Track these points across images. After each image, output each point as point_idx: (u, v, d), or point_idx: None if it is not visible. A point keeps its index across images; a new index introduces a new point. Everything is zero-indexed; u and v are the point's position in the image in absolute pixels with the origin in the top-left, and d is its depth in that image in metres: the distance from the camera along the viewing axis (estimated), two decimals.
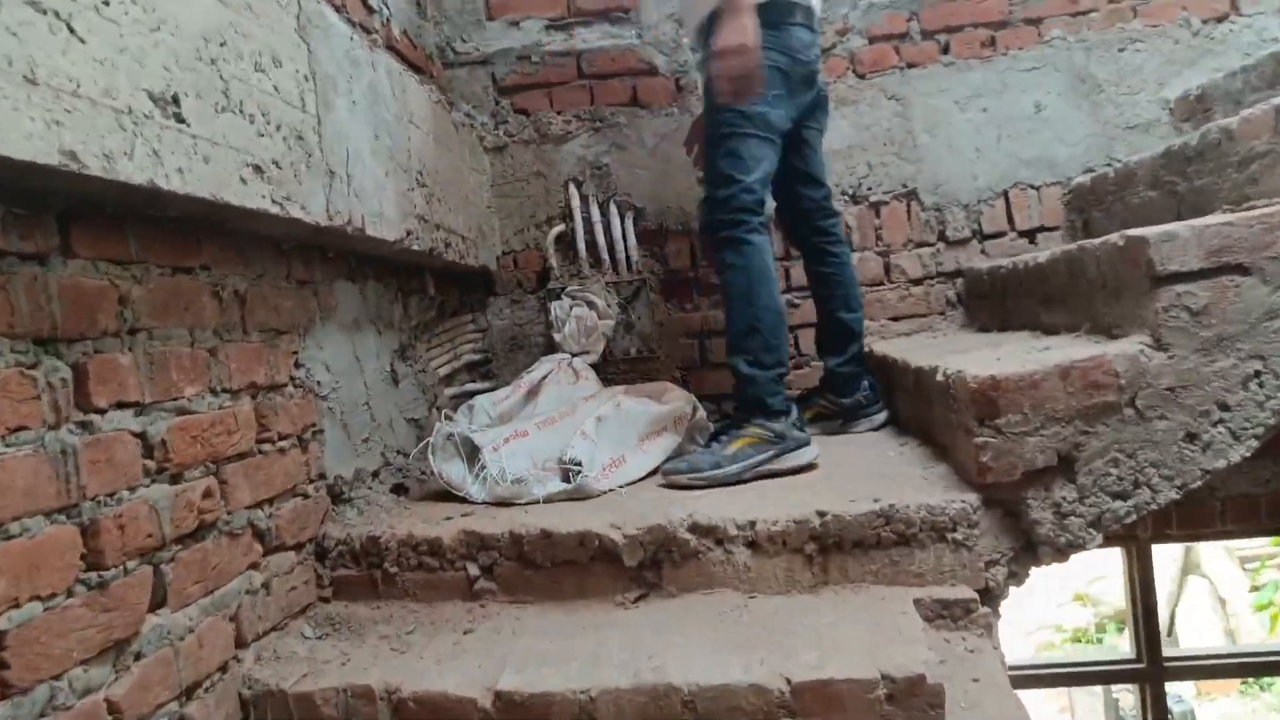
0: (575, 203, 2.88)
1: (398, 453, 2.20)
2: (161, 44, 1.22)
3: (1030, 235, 2.77)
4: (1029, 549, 1.61)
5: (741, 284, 2.05)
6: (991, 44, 2.78)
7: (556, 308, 2.83)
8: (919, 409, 2.07)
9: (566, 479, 1.95)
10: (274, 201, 1.48)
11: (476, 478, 2.03)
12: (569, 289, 2.86)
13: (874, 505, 1.61)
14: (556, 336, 2.82)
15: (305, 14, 1.66)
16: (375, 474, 2.06)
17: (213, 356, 1.47)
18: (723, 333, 2.81)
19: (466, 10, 2.89)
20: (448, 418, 2.14)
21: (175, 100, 1.24)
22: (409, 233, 2.09)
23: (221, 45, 1.37)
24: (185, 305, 1.41)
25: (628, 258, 2.88)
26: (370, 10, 2.30)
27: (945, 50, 2.77)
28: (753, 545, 1.64)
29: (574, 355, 2.79)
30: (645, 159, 2.84)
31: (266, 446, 1.61)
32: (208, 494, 1.41)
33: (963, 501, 1.59)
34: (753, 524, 1.63)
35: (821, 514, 1.61)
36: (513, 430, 2.20)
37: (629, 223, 2.88)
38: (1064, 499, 1.58)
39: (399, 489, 2.14)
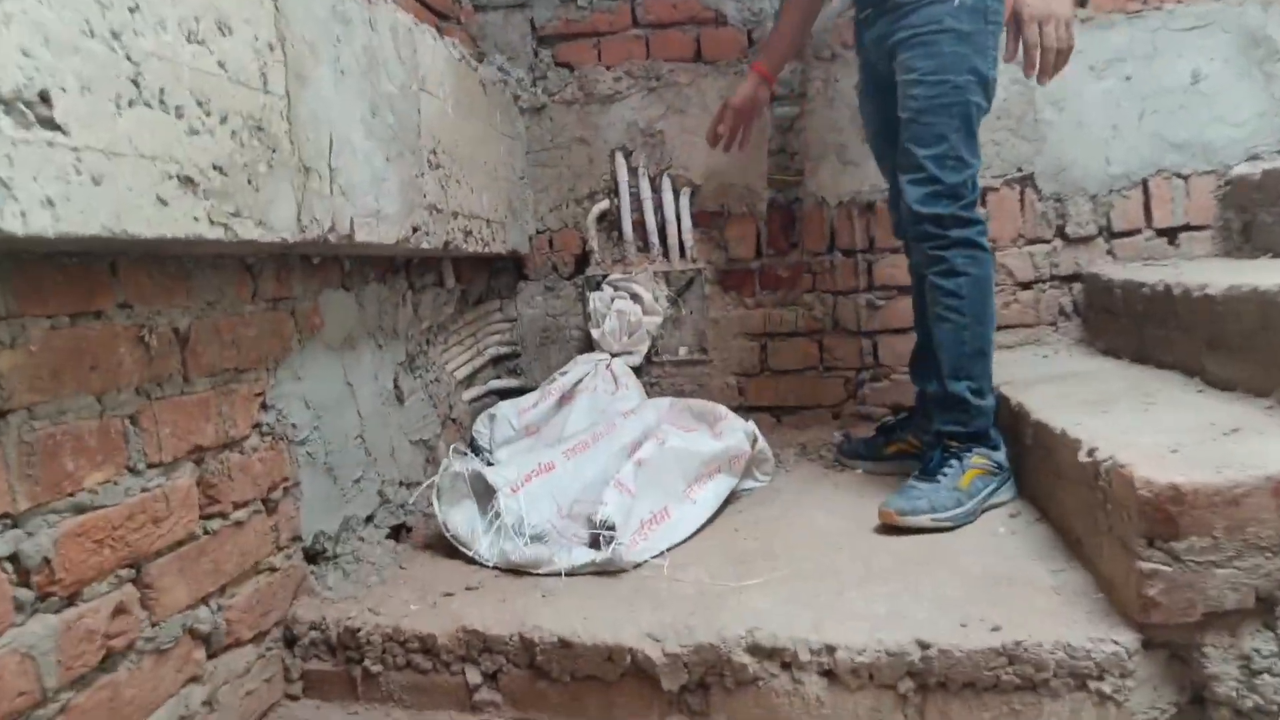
0: (623, 175, 2.46)
1: (400, 484, 1.86)
2: (16, 18, 0.84)
3: (1171, 234, 2.28)
4: (1197, 706, 1.22)
5: (975, 298, 1.71)
6: None
7: (596, 299, 2.44)
8: (1038, 471, 1.66)
9: (596, 544, 1.59)
10: (213, 222, 1.10)
11: (490, 526, 1.69)
12: (611, 277, 2.47)
13: (993, 639, 1.23)
14: (594, 333, 2.44)
15: None
16: (370, 518, 1.72)
17: (134, 425, 1.12)
18: (787, 334, 2.44)
19: None
20: (458, 452, 1.79)
21: (44, 99, 0.86)
22: (416, 229, 1.71)
23: (131, 10, 0.98)
24: (91, 363, 1.05)
25: (681, 242, 2.47)
26: None
27: (1083, 2, 2.25)
28: (830, 675, 1.27)
29: (614, 355, 2.41)
30: (707, 126, 2.39)
31: (216, 523, 1.27)
32: (120, 611, 1.08)
33: (1115, 644, 1.20)
34: (832, 650, 1.26)
35: (924, 645, 1.23)
36: (536, 465, 1.84)
37: (684, 201, 2.45)
38: (1257, 651, 1.17)
39: (399, 530, 1.80)
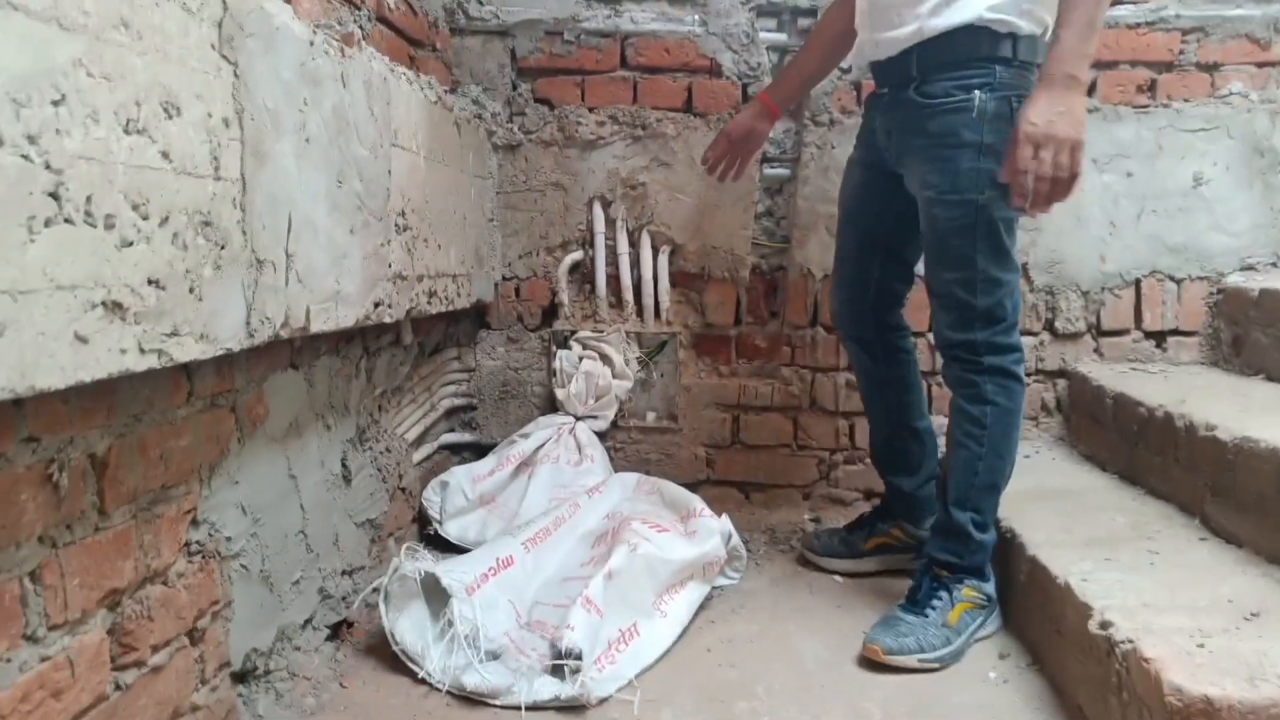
0: (599, 227, 2.30)
1: (343, 573, 1.68)
2: None
3: (1159, 337, 2.23)
4: None
5: (999, 430, 1.59)
6: (1151, 90, 2.19)
7: (563, 358, 2.28)
8: (1031, 613, 1.57)
9: (559, 673, 1.45)
10: (144, 350, 0.92)
11: (442, 636, 1.53)
12: (580, 334, 2.31)
13: None
14: (559, 393, 2.28)
15: (233, 16, 1.06)
16: (308, 621, 1.54)
17: (35, 583, 0.93)
18: (761, 408, 2.31)
19: None
20: (410, 551, 1.61)
21: None
22: (379, 303, 1.53)
23: (56, 105, 0.79)
24: None
25: (657, 303, 2.32)
26: None
27: (1090, 90, 2.17)
28: None
29: (578, 419, 2.26)
30: (693, 183, 2.26)
31: (131, 674, 1.09)
32: None
33: None
34: None
35: None
36: (493, 560, 1.69)
37: (663, 259, 2.31)
38: None
39: (339, 628, 1.63)
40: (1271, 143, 2.12)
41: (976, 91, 1.49)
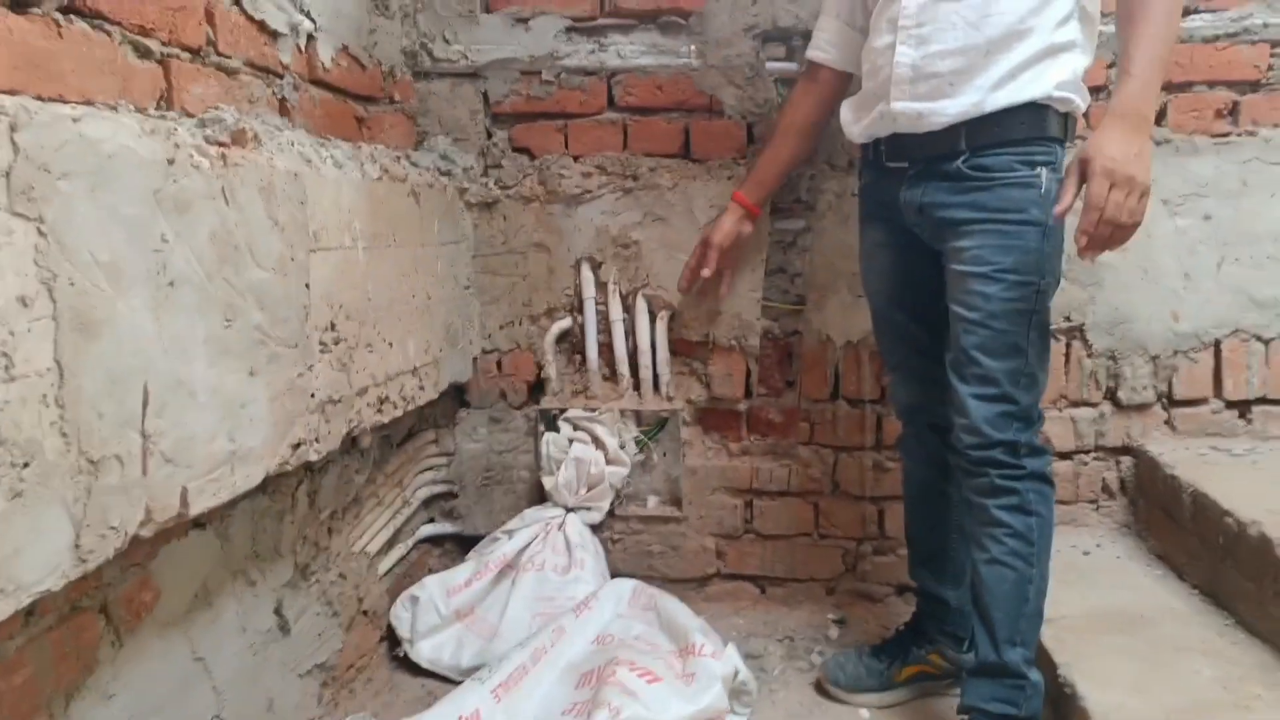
0: (589, 291, 2.03)
1: None
2: None
3: (1243, 407, 1.90)
4: None
5: (1044, 545, 1.39)
6: (1232, 115, 1.85)
7: (551, 443, 2.02)
8: None
9: None
10: None
11: None
12: (570, 413, 2.05)
13: None
14: (547, 481, 2.02)
15: (30, 159, 0.81)
16: None
17: None
18: (777, 493, 2.03)
19: None
20: None
21: None
22: (299, 444, 1.28)
23: None
24: None
25: (655, 375, 2.05)
26: (272, 35, 1.42)
27: (1159, 118, 1.84)
28: None
29: (569, 510, 2.00)
30: (694, 239, 1.96)
31: None
32: None
33: None
34: None
35: None
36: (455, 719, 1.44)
37: (661, 327, 2.03)
38: None
39: None
40: None
41: (1043, 169, 1.33)
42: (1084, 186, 1.28)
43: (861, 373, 1.97)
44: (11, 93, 0.90)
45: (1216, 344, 1.88)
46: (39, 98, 0.95)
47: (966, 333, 1.37)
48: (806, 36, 1.87)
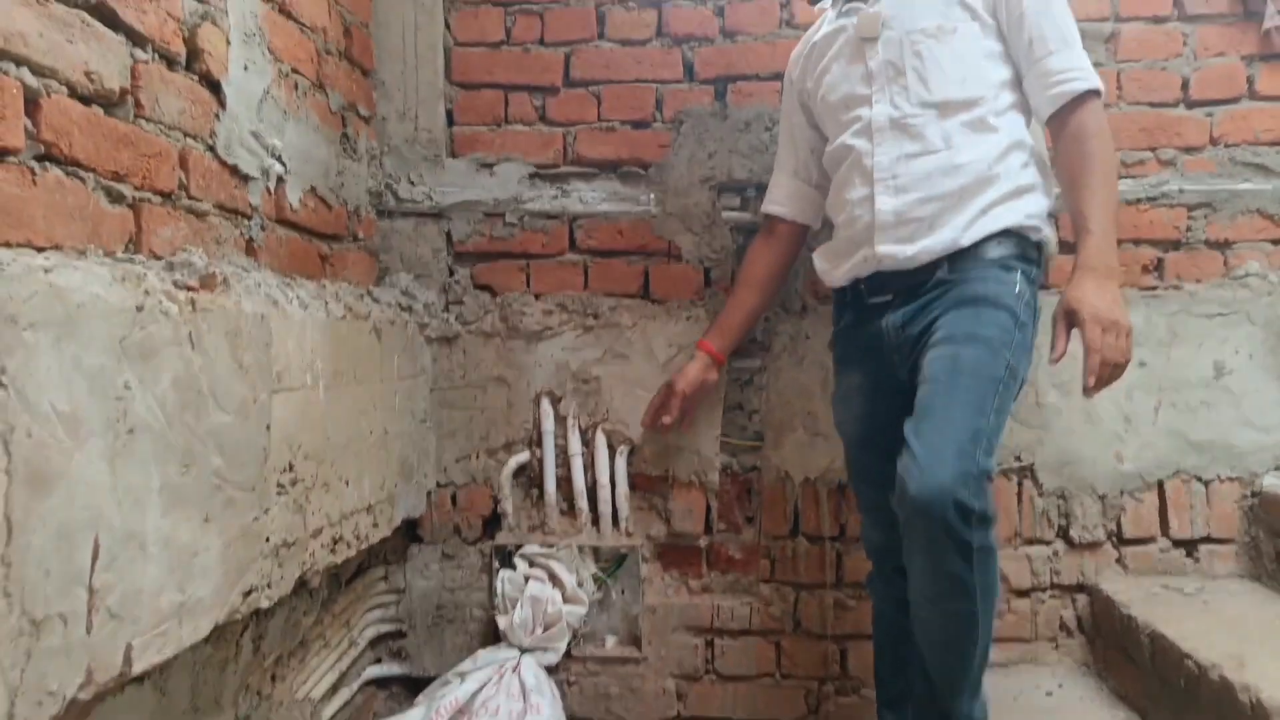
0: (548, 425, 2.03)
1: None
2: None
3: (1189, 545, 1.95)
4: None
5: (993, 597, 1.40)
6: (1158, 270, 1.97)
7: (506, 580, 1.97)
8: None
9: None
10: None
11: None
12: (526, 549, 2.01)
13: None
14: (501, 621, 1.96)
15: None
16: None
17: None
18: (738, 631, 1.99)
19: (420, 141, 2.03)
20: None
21: None
22: (251, 590, 1.23)
23: None
24: None
25: (615, 510, 2.03)
26: (243, 179, 1.44)
27: None
28: None
29: (524, 651, 1.93)
30: (654, 376, 2.00)
31: None
32: None
33: None
34: None
35: None
36: None
37: (621, 461, 2.03)
38: None
39: None
40: None
41: (1018, 274, 1.46)
42: (1080, 337, 1.38)
43: (820, 510, 1.98)
44: None
45: (1160, 484, 1.94)
46: (7, 244, 0.95)
47: (930, 390, 1.38)
48: (760, 188, 1.98)
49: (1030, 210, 1.47)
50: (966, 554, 1.30)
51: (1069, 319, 1.39)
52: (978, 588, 1.33)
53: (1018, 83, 1.52)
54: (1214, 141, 1.95)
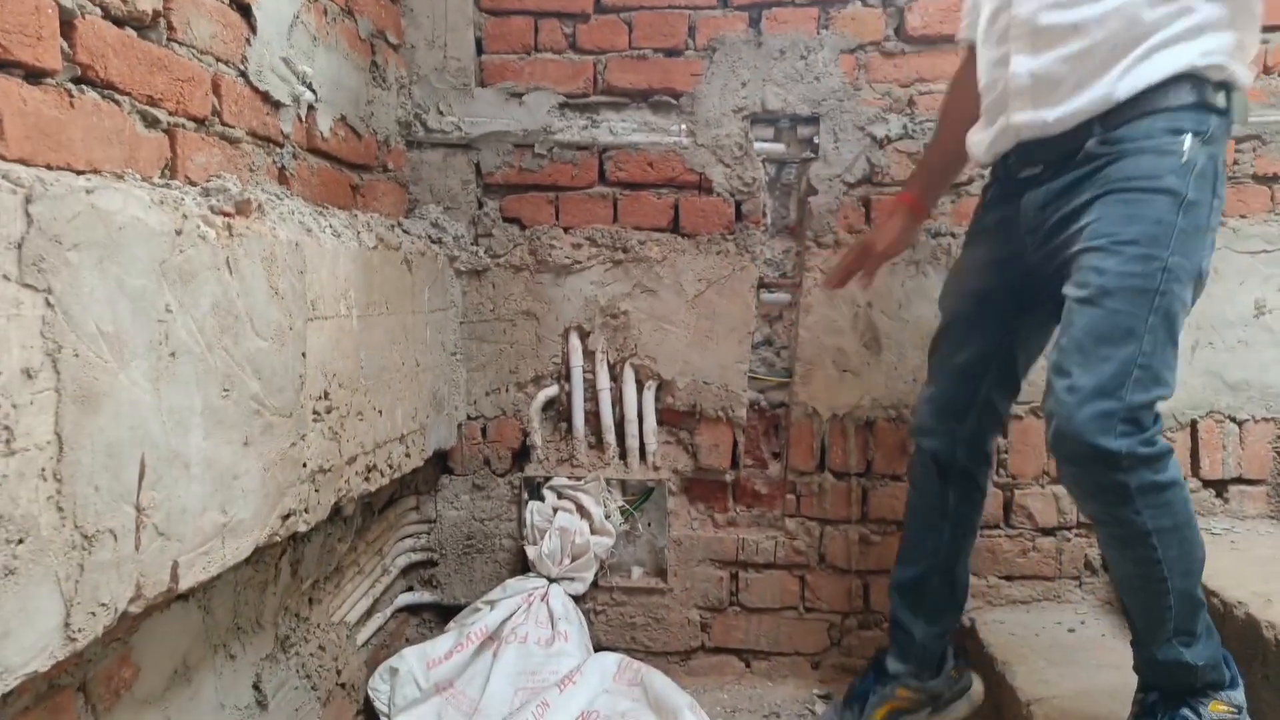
0: (577, 360, 2.04)
1: None
2: None
3: (1219, 486, 1.94)
4: None
5: (1177, 553, 1.25)
6: None
7: (535, 511, 2.01)
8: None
9: None
10: None
11: None
12: (555, 481, 2.03)
13: None
14: (530, 551, 1.99)
15: (43, 230, 0.81)
16: None
17: None
18: (763, 565, 2.02)
19: (449, 70, 2.00)
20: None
21: None
22: (289, 514, 1.26)
23: None
24: None
25: (642, 444, 2.05)
26: (274, 105, 1.43)
27: None
28: None
29: (551, 581, 1.97)
30: (682, 311, 1.99)
31: None
32: None
33: None
34: None
35: None
36: None
37: (649, 396, 2.04)
38: None
39: None
40: None
41: (1188, 135, 1.21)
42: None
43: (848, 445, 1.99)
44: (22, 162, 0.91)
45: (1193, 424, 1.93)
46: (48, 166, 0.96)
47: (1073, 316, 1.24)
48: (794, 119, 1.95)
49: (1208, 47, 1.21)
50: (1124, 497, 1.20)
51: None
52: (1151, 529, 1.22)
53: None
54: (1267, 70, 1.88)
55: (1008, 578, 1.97)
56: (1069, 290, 1.27)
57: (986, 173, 1.57)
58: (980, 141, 1.45)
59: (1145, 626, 1.31)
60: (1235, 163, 1.89)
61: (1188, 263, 1.21)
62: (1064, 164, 1.31)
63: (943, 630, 1.65)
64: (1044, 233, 1.34)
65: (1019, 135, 1.36)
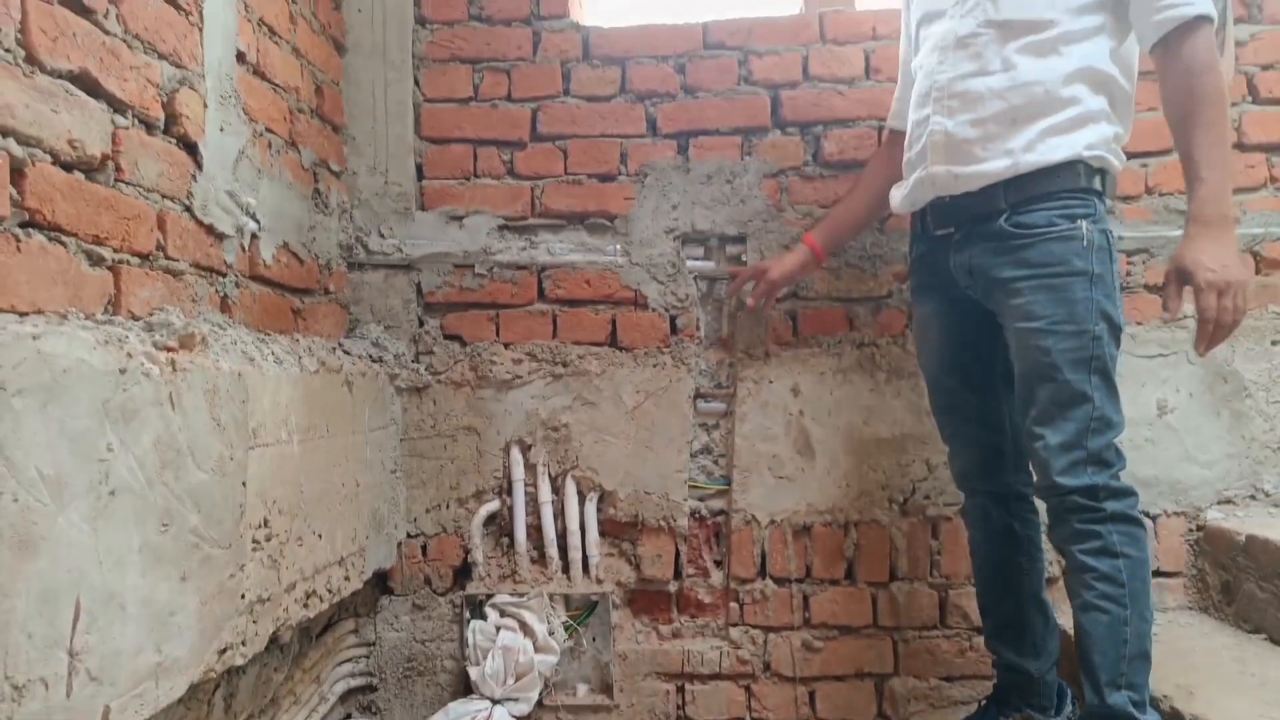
0: (518, 473, 2.05)
1: None
2: None
3: None
4: None
5: (1137, 585, 1.41)
6: None
7: (478, 630, 1.98)
8: None
9: None
10: None
11: None
12: (497, 598, 2.01)
13: None
14: (473, 672, 1.96)
15: None
16: None
17: None
18: (709, 676, 2.01)
19: (390, 194, 2.07)
20: None
21: None
22: (226, 649, 1.23)
23: None
24: None
25: (585, 557, 2.05)
26: (218, 237, 1.47)
27: None
28: None
29: (495, 703, 1.93)
30: (621, 423, 2.04)
31: None
32: None
33: None
34: None
35: None
36: None
37: (590, 508, 2.05)
38: None
39: None
40: (1234, 368, 1.99)
41: (1082, 221, 1.43)
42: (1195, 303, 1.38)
43: (787, 552, 2.02)
44: None
45: None
46: None
47: (1032, 388, 1.45)
48: (722, 239, 2.06)
49: (1091, 140, 1.43)
50: (1100, 518, 1.39)
51: (1181, 278, 1.38)
52: (1120, 552, 1.39)
53: (1112, 4, 1.44)
54: (1149, 190, 2.06)
55: (947, 678, 2.00)
56: (1020, 367, 1.49)
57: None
58: (899, 194, 1.67)
59: (1104, 663, 1.40)
60: (1129, 274, 2.05)
61: (1107, 325, 1.43)
62: (974, 228, 1.53)
63: (1051, 660, 1.67)
64: (981, 289, 1.55)
65: (934, 187, 1.56)
